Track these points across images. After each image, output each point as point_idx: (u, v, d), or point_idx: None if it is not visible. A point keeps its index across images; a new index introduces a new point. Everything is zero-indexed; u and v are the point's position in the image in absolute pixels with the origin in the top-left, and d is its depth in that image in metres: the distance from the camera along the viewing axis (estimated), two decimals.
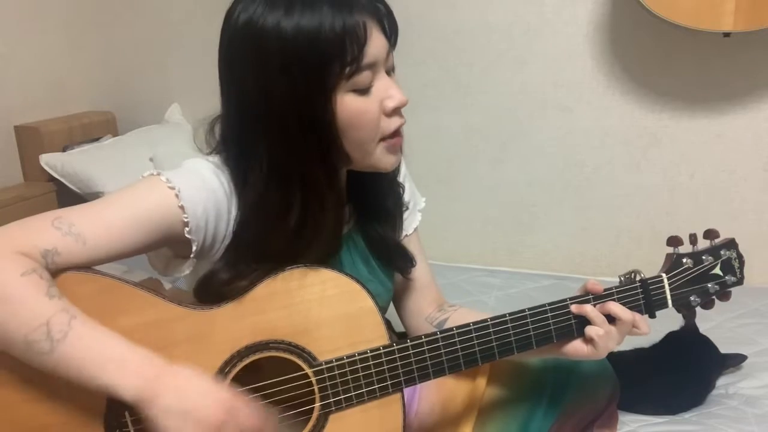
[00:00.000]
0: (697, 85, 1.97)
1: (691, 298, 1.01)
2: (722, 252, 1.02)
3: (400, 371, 0.90)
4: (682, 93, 1.99)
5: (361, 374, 0.88)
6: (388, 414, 0.90)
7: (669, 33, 1.87)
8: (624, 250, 2.15)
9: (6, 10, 2.27)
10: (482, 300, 1.89)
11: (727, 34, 1.69)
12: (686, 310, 1.02)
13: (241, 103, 0.88)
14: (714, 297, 1.02)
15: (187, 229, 0.86)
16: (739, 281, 1.03)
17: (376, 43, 0.86)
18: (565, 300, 0.96)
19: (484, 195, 2.27)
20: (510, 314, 0.94)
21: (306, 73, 0.83)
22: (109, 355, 0.75)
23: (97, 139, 2.49)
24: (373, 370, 0.89)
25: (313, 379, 0.87)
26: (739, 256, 1.03)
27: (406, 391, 0.93)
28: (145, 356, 0.76)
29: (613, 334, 0.94)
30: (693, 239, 1.02)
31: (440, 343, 0.91)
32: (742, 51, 1.89)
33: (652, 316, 0.99)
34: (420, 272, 1.13)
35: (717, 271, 1.02)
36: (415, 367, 0.90)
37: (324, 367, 0.88)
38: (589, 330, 0.94)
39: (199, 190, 0.87)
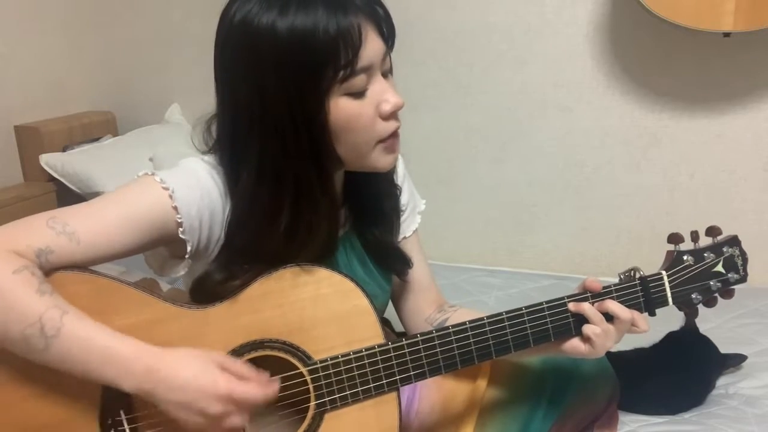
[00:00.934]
0: (697, 85, 1.97)
1: (693, 296, 1.00)
2: (725, 249, 1.01)
3: (396, 370, 0.89)
4: (682, 93, 1.98)
5: (356, 373, 0.88)
6: (384, 412, 0.90)
7: (669, 33, 1.87)
8: (624, 250, 2.14)
9: (6, 10, 2.27)
10: (482, 300, 1.89)
11: (727, 34, 1.68)
12: (688, 307, 1.01)
13: (235, 102, 0.87)
14: (717, 294, 1.01)
15: (181, 229, 0.86)
16: (743, 278, 1.02)
17: (371, 46, 0.85)
18: (562, 298, 0.95)
19: (484, 195, 2.26)
20: (507, 312, 0.93)
21: (299, 75, 0.82)
22: (102, 349, 0.76)
23: (97, 139, 2.48)
24: (368, 369, 0.88)
25: (308, 378, 0.87)
26: (743, 254, 1.02)
27: (406, 390, 0.92)
28: (138, 347, 0.77)
29: (611, 332, 0.94)
30: (695, 236, 1.00)
31: (436, 342, 0.91)
32: (742, 51, 1.88)
33: (652, 314, 0.99)
34: (420, 273, 1.13)
35: (719, 268, 1.00)
36: (411, 365, 0.90)
37: (319, 365, 0.87)
38: (587, 329, 0.93)
39: (194, 190, 0.87)
